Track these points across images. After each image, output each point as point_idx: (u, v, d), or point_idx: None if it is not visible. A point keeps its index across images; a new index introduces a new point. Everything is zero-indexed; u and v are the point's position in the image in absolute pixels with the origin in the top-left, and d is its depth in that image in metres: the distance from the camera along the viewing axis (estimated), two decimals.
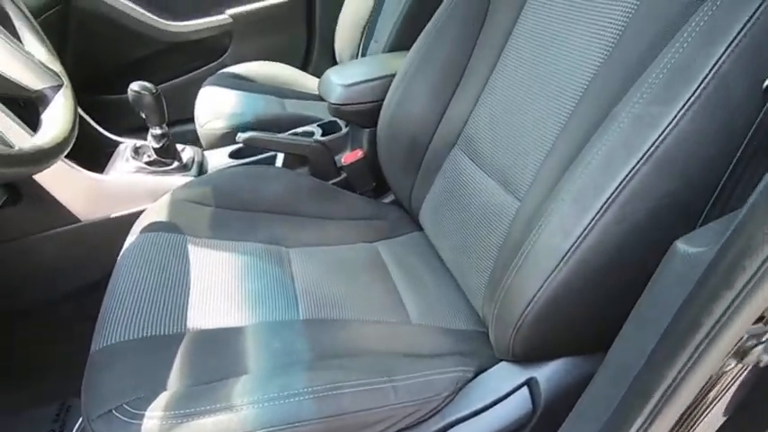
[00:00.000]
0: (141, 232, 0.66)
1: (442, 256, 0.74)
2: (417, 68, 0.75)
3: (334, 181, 0.92)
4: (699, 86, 0.34)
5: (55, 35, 1.26)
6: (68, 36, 1.32)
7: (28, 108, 0.52)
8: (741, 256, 0.23)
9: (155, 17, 1.36)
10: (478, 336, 0.62)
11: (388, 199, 0.93)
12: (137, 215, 0.75)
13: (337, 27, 1.43)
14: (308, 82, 1.46)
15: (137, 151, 0.89)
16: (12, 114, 0.46)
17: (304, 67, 1.59)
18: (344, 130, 0.96)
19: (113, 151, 0.92)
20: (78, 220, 0.79)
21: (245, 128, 1.03)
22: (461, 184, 0.70)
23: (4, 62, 0.44)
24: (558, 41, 0.56)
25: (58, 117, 0.46)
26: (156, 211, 0.69)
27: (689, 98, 0.34)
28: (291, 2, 1.48)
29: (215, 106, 1.13)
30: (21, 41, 0.51)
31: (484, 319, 0.59)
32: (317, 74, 1.56)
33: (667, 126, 0.35)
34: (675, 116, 0.35)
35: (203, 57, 1.50)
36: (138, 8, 1.33)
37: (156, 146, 0.83)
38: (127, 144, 0.91)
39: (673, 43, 0.37)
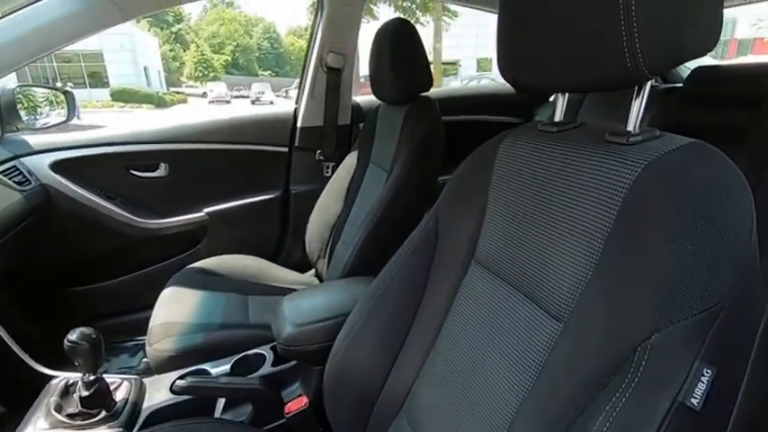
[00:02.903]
0: None
1: None
2: (366, 319, 0.75)
3: (276, 424, 0.85)
4: None
5: (33, 236, 1.30)
6: (46, 234, 1.36)
7: None
8: None
9: (134, 217, 1.43)
10: None
11: None
12: None
13: (308, 223, 1.51)
14: (276, 273, 1.48)
15: (67, 390, 0.82)
16: None
17: (275, 256, 1.64)
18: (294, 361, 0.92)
19: (43, 387, 0.86)
20: None
21: (191, 353, 1.00)
22: None
23: None
24: (495, 348, 0.56)
25: None
26: None
27: None
28: (267, 200, 1.60)
29: (169, 317, 1.11)
30: None
31: None
32: (287, 263, 1.60)
33: None
34: None
35: (177, 248, 1.55)
36: (117, 209, 1.41)
37: (85, 393, 0.77)
38: (59, 379, 0.85)
39: None
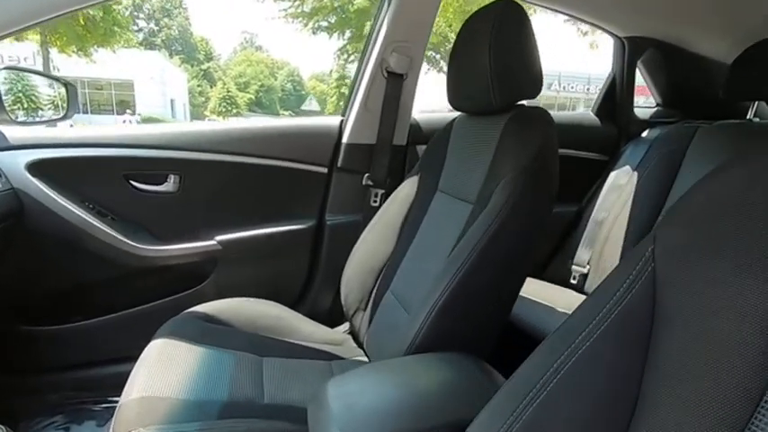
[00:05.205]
0: None
1: None
2: None
3: None
4: None
5: None
6: (9, 253, 1.05)
7: None
8: None
9: (127, 239, 1.11)
10: None
11: None
12: None
13: (346, 266, 1.17)
14: (300, 327, 1.13)
15: None
16: None
17: (297, 302, 1.30)
18: None
19: None
20: None
21: None
22: None
23: None
24: None
25: None
26: None
27: None
28: (296, 231, 1.27)
29: (151, 387, 0.76)
30: None
31: None
32: (312, 313, 1.25)
33: None
34: None
35: (177, 284, 1.22)
36: (107, 228, 1.09)
37: None
38: None
39: None
